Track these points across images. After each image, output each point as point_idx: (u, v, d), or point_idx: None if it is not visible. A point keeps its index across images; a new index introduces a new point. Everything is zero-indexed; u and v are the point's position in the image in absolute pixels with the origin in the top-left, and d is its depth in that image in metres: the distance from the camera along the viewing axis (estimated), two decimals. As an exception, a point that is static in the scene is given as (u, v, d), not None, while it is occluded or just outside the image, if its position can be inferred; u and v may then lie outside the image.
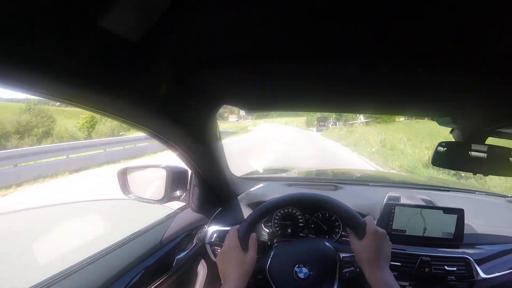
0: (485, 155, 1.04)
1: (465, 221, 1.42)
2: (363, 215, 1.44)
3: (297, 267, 1.14)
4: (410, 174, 9.68)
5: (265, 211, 1.16)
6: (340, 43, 0.60)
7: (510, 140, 1.22)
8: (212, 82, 0.89)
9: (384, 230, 1.05)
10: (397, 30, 0.52)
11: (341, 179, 2.13)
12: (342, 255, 1.17)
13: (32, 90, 0.53)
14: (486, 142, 1.09)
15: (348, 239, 1.11)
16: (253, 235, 1.11)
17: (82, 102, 0.65)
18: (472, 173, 1.12)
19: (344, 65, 0.68)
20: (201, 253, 1.53)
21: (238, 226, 1.12)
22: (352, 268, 1.14)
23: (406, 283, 1.35)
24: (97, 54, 0.53)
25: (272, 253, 1.23)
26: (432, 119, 1.17)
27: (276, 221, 1.58)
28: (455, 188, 2.18)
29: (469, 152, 1.05)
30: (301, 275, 1.12)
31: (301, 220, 1.57)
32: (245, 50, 0.67)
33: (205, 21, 0.55)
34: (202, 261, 1.58)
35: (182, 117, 0.97)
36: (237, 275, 1.01)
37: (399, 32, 0.53)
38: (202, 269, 1.57)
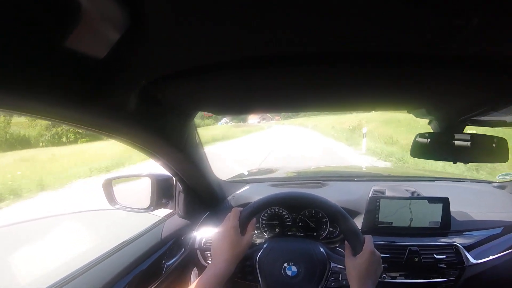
0: (468, 143, 1.06)
1: (452, 209, 1.44)
2: (349, 211, 1.45)
3: (286, 263, 1.15)
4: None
5: (273, 200, 1.18)
6: (313, 47, 0.61)
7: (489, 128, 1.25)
8: (182, 92, 0.89)
9: (379, 253, 1.06)
10: (367, 30, 0.53)
11: (325, 176, 2.14)
12: (332, 264, 1.18)
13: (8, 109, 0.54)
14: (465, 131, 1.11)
15: (341, 249, 1.11)
16: (254, 220, 1.12)
17: (55, 117, 0.66)
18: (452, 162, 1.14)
19: (318, 67, 0.68)
20: (191, 259, 1.52)
21: (240, 208, 1.13)
22: (339, 279, 1.15)
23: (397, 274, 1.36)
24: (63, 73, 0.54)
25: (265, 245, 1.23)
26: (409, 112, 1.19)
27: (263, 221, 1.58)
28: (441, 178, 2.21)
29: (448, 141, 1.07)
30: (289, 273, 1.13)
31: (288, 219, 1.57)
32: (211, 62, 0.68)
33: (165, 37, 0.55)
34: (195, 268, 1.57)
35: (157, 127, 0.97)
36: (230, 256, 1.02)
37: (369, 32, 0.53)
38: (194, 276, 1.57)
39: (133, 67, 0.66)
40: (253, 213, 1.13)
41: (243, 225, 1.09)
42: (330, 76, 0.75)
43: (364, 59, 0.64)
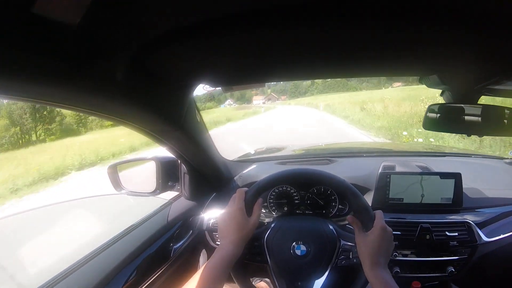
0: (479, 115, 1.01)
1: (464, 185, 1.41)
2: (359, 187, 1.42)
3: (295, 243, 1.13)
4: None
5: (279, 179, 1.14)
6: (320, 4, 0.54)
7: (504, 98, 1.21)
8: (178, 59, 0.81)
9: (391, 229, 1.02)
10: None
11: (334, 153, 2.11)
12: (342, 242, 1.15)
13: None
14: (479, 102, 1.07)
15: (351, 227, 1.08)
16: (260, 200, 1.09)
17: (30, 96, 0.59)
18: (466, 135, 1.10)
19: (326, 25, 0.62)
20: (200, 241, 1.52)
21: (246, 188, 1.10)
22: (350, 257, 1.13)
23: (408, 252, 1.34)
24: (36, 44, 0.48)
25: (273, 225, 1.21)
26: (421, 82, 1.13)
27: (271, 200, 1.56)
28: (451, 153, 2.17)
29: (462, 113, 1.02)
30: (298, 252, 1.11)
31: (296, 197, 1.56)
32: (210, 17, 0.59)
33: None
34: (204, 250, 1.57)
35: (150, 102, 0.90)
36: (237, 238, 1.00)
37: None
38: (203, 258, 1.56)
39: (118, 30, 0.58)
40: (258, 192, 1.09)
41: (249, 205, 1.06)
42: (339, 36, 0.69)
43: (375, 15, 0.58)
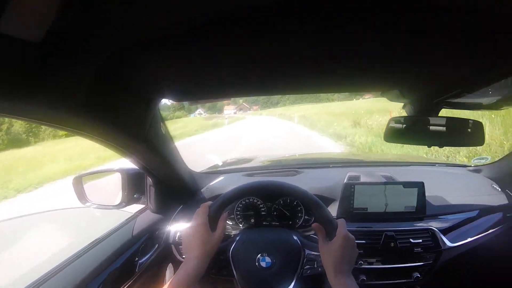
0: (444, 126, 1.05)
1: (428, 194, 1.45)
2: (325, 198, 1.44)
3: (260, 255, 1.13)
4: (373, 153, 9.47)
5: (242, 191, 1.14)
6: (281, 18, 0.54)
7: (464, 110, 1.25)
8: (140, 73, 0.79)
9: (353, 236, 1.04)
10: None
11: (301, 164, 2.13)
12: (307, 251, 1.17)
13: None
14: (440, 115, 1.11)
15: (316, 236, 1.10)
16: (225, 214, 1.09)
17: None
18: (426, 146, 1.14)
19: (290, 39, 0.62)
20: (166, 255, 1.49)
21: (210, 202, 1.09)
22: (315, 266, 1.15)
23: (373, 260, 1.37)
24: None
25: (237, 238, 1.21)
26: (383, 96, 1.17)
27: (238, 212, 1.56)
28: (416, 163, 2.23)
29: (427, 124, 1.06)
30: (263, 264, 1.12)
31: (263, 209, 1.56)
32: (168, 32, 0.57)
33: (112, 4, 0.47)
34: (170, 264, 1.54)
35: (112, 115, 0.87)
36: (201, 253, 0.99)
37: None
38: (169, 272, 1.53)
39: (79, 42, 0.56)
40: (222, 206, 1.09)
41: (213, 220, 1.05)
42: (302, 51, 0.69)
43: (335, 32, 0.59)
